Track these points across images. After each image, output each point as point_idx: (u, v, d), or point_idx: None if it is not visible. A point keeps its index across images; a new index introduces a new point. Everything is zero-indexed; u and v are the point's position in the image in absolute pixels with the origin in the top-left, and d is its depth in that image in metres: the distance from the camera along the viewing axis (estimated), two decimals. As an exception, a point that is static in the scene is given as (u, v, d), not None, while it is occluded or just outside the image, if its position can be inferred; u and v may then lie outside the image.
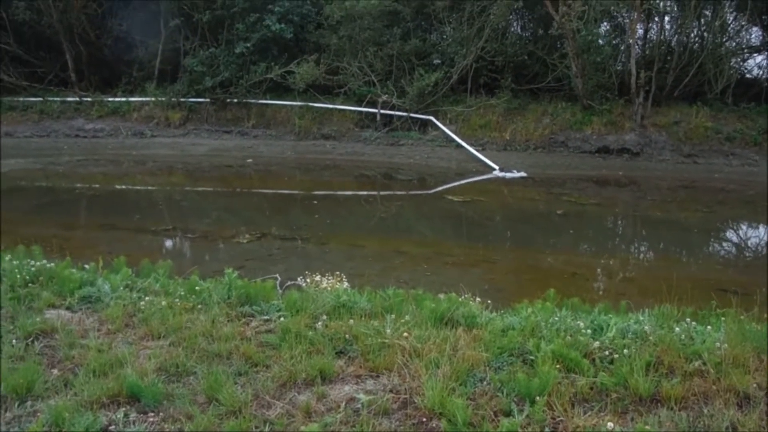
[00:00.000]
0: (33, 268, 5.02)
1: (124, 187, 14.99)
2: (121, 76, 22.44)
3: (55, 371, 3.46)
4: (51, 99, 21.83)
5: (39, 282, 4.84)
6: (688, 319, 4.18)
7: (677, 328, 3.98)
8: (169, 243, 9.68)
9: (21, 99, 21.71)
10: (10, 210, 11.60)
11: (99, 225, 10.65)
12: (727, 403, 3.14)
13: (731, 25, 19.26)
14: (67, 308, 4.48)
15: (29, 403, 3.10)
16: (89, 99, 21.75)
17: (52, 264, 5.21)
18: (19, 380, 3.18)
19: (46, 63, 22.66)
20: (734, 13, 19.05)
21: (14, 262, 5.12)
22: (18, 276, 4.82)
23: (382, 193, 14.73)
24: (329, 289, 5.00)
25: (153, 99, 21.28)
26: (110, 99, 21.76)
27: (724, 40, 19.18)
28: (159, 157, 18.24)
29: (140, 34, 22.32)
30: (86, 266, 5.36)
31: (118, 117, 21.37)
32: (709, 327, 4.06)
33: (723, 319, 4.24)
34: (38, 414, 3.00)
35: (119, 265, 5.35)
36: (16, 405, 3.08)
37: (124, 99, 21.68)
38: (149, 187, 15.08)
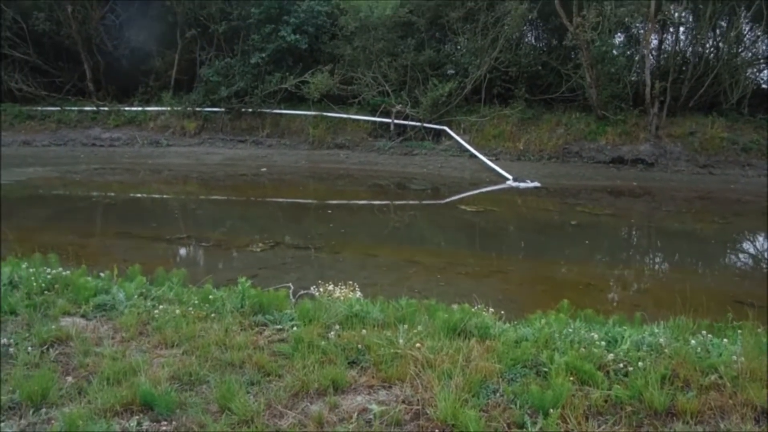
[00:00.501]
0: (49, 276, 5.06)
1: (139, 195, 15.11)
2: (138, 86, 22.68)
3: (70, 379, 3.48)
4: (69, 108, 22.11)
5: (55, 289, 4.88)
6: (704, 332, 4.13)
7: (693, 341, 3.94)
8: (183, 251, 9.73)
9: (39, 108, 22.00)
10: (28, 218, 11.73)
11: (114, 233, 10.73)
12: (744, 417, 3.10)
13: (747, 36, 19.16)
14: (82, 316, 4.51)
15: (44, 410, 3.12)
16: (106, 108, 21.99)
17: (68, 272, 5.25)
18: (34, 387, 3.20)
19: (65, 73, 22.97)
20: (750, 24, 18.94)
21: (30, 270, 5.17)
22: (34, 283, 4.86)
23: (395, 202, 14.73)
24: (342, 298, 5.00)
25: (169, 108, 21.48)
26: (127, 108, 21.99)
27: (740, 50, 19.07)
28: (174, 166, 18.38)
29: (157, 45, 22.57)
30: (101, 274, 5.40)
31: (134, 126, 21.58)
32: (725, 340, 4.01)
33: (740, 331, 4.19)
34: (53, 421, 3.02)
35: (134, 274, 5.39)
36: (31, 412, 3.10)
37: (140, 108, 21.90)
38: (164, 196, 15.18)
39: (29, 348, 3.77)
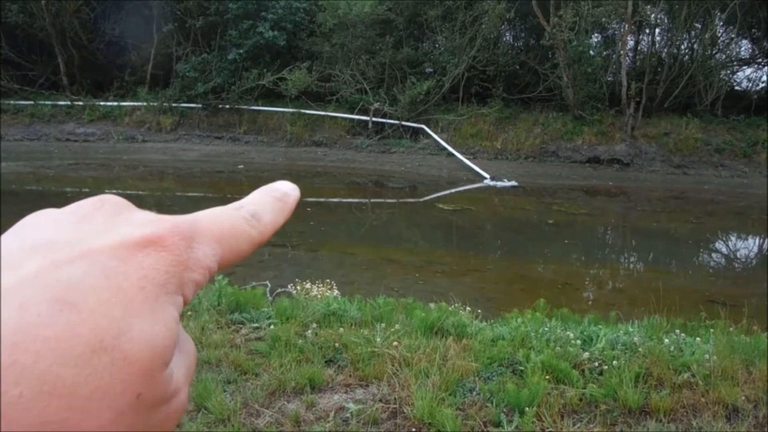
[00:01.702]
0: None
1: (114, 191, 14.81)
2: (113, 81, 22.36)
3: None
4: (42, 102, 21.71)
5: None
6: (677, 331, 4.20)
7: (666, 340, 4.00)
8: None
9: (12, 102, 21.57)
10: (1, 213, 11.52)
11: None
12: (716, 415, 3.15)
13: (721, 38, 19.45)
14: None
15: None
16: (81, 103, 21.66)
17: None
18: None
19: (38, 66, 22.57)
20: (724, 26, 19.24)
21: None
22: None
23: (372, 200, 14.73)
24: (319, 296, 4.99)
25: (145, 104, 21.22)
26: (102, 103, 21.67)
27: (714, 52, 19.36)
28: (150, 162, 18.18)
29: (133, 39, 22.25)
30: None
31: (109, 121, 21.28)
32: (698, 339, 4.08)
33: (712, 330, 4.26)
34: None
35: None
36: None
37: (115, 103, 21.60)
38: (140, 192, 15.01)
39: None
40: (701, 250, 11.24)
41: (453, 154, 18.22)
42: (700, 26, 18.96)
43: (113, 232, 0.32)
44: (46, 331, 0.27)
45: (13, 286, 0.28)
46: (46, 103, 21.71)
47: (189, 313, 4.42)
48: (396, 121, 19.53)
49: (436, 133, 19.19)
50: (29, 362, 0.26)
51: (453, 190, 15.61)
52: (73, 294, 0.28)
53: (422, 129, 19.43)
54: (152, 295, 0.30)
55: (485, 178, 16.11)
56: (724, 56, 19.68)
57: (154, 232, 0.32)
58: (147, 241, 0.32)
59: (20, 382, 0.26)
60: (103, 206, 0.35)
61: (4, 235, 0.33)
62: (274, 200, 0.42)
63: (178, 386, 0.32)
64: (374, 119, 19.72)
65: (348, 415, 3.13)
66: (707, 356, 3.69)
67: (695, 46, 19.27)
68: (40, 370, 0.26)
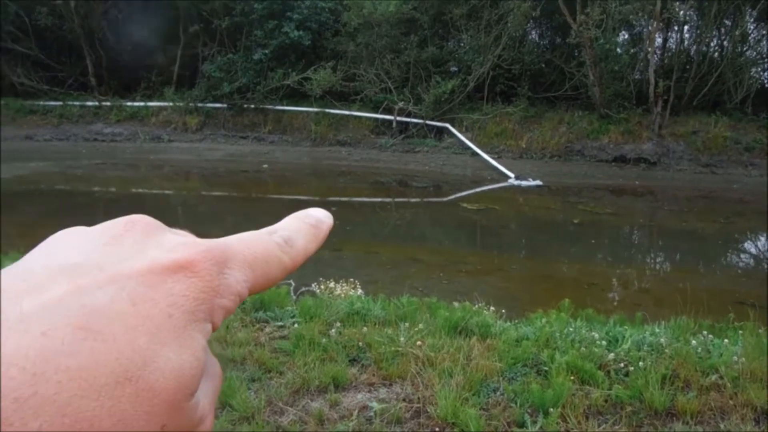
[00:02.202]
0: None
1: (141, 191, 15.11)
2: (140, 81, 22.66)
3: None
4: (71, 103, 22.09)
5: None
6: (704, 332, 4.13)
7: (694, 341, 3.94)
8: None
9: (42, 103, 21.98)
10: (29, 212, 11.73)
11: (116, 228, 10.72)
12: (744, 418, 3.10)
13: (752, 35, 19.13)
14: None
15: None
16: (108, 103, 21.98)
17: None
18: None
19: (67, 67, 22.96)
20: (755, 23, 18.91)
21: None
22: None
23: (396, 200, 14.73)
24: (343, 295, 5.00)
25: (171, 104, 21.47)
26: (129, 103, 21.98)
27: (745, 49, 19.04)
28: (176, 162, 18.38)
29: (159, 40, 22.52)
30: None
31: (136, 121, 21.57)
32: (726, 340, 4.01)
33: (740, 332, 4.19)
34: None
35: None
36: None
37: (142, 104, 21.88)
38: (165, 192, 15.19)
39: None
40: (730, 250, 11.06)
41: (477, 154, 18.14)
42: (730, 23, 18.66)
43: (143, 255, 0.32)
44: (69, 361, 0.26)
45: (37, 311, 0.27)
46: (75, 103, 22.09)
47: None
48: (420, 121, 19.50)
49: (460, 132, 19.13)
50: (51, 393, 0.25)
51: (477, 190, 15.55)
52: (98, 321, 0.27)
53: (446, 128, 19.38)
54: (180, 323, 0.30)
55: (510, 178, 16.02)
56: (754, 53, 19.35)
57: (185, 256, 0.32)
58: (177, 266, 0.31)
59: (41, 414, 0.25)
60: (134, 227, 0.34)
61: (31, 254, 0.32)
62: (307, 227, 0.41)
63: (204, 413, 0.31)
64: (398, 118, 19.71)
65: (371, 414, 3.14)
66: (735, 358, 3.63)
67: (725, 43, 18.96)
68: (61, 402, 0.25)
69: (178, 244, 0.33)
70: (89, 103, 22.11)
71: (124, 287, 0.29)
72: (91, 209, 12.70)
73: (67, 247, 0.32)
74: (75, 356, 0.26)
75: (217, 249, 0.34)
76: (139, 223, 0.35)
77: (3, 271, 0.30)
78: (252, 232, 0.38)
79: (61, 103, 22.02)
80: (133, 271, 0.30)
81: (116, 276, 0.30)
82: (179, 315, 0.30)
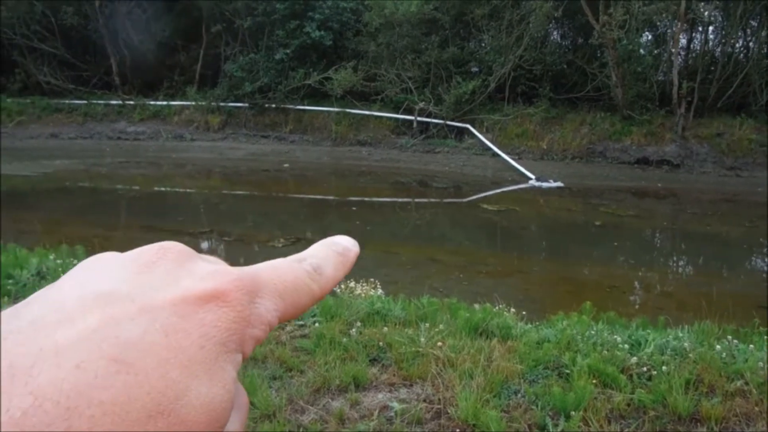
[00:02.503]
0: (75, 268, 5.13)
1: (163, 189, 15.26)
2: (163, 81, 22.88)
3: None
4: (95, 102, 22.38)
5: (81, 281, 4.94)
6: (729, 337, 4.08)
7: (718, 346, 3.90)
8: (206, 246, 9.81)
9: (67, 101, 22.30)
10: (54, 209, 11.90)
11: (139, 226, 10.86)
12: (770, 424, 3.06)
13: (779, 36, 18.83)
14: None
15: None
16: (132, 102, 22.23)
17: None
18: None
19: (92, 67, 23.27)
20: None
21: (58, 261, 5.25)
22: (61, 275, 4.93)
23: (417, 200, 14.72)
24: (363, 295, 5.01)
25: (193, 103, 21.65)
26: (152, 102, 22.21)
27: (771, 50, 18.76)
28: (198, 161, 18.53)
29: (182, 40, 22.76)
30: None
31: (159, 120, 21.79)
32: (751, 346, 3.96)
33: (766, 337, 4.13)
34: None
35: (158, 267, 5.44)
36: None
37: (165, 103, 22.10)
38: (188, 190, 15.32)
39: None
40: (754, 254, 10.91)
41: (498, 155, 18.07)
42: (756, 24, 18.39)
43: (175, 284, 0.31)
44: (103, 395, 0.25)
45: (71, 342, 0.27)
46: (99, 102, 22.38)
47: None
48: (441, 121, 19.47)
49: (481, 133, 19.07)
50: (84, 428, 0.25)
51: (498, 191, 15.49)
52: (131, 353, 0.27)
53: (467, 129, 19.33)
54: (212, 355, 0.29)
55: (530, 179, 15.93)
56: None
57: (216, 286, 0.32)
58: (209, 296, 0.31)
59: None
60: (165, 255, 0.34)
61: (63, 281, 0.32)
62: (335, 254, 0.41)
63: None
64: (419, 119, 19.69)
65: (392, 414, 3.14)
66: (761, 364, 3.59)
67: (751, 44, 18.70)
68: None
69: (210, 272, 0.33)
70: (113, 102, 22.39)
71: (156, 318, 0.29)
72: (115, 207, 12.86)
73: (99, 275, 0.32)
74: (108, 390, 0.25)
75: (248, 278, 0.33)
76: (171, 250, 0.34)
77: (35, 299, 0.30)
78: (281, 260, 0.38)
79: (85, 101, 22.33)
80: (165, 302, 0.30)
81: (148, 306, 0.29)
82: (211, 346, 0.30)
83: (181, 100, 21.99)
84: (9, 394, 0.24)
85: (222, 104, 21.29)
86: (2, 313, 0.29)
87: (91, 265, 0.34)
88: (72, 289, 0.31)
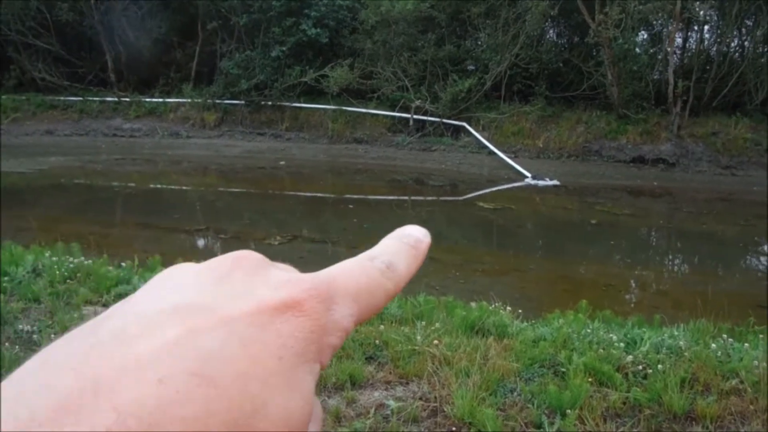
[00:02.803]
0: (71, 265, 5.13)
1: (159, 186, 15.22)
2: (159, 77, 22.82)
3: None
4: (90, 99, 22.31)
5: (77, 278, 4.94)
6: (724, 336, 4.10)
7: (713, 345, 3.91)
8: (202, 243, 9.80)
9: (62, 98, 22.22)
10: (50, 207, 11.87)
11: (135, 223, 10.83)
12: (765, 423, 3.07)
13: (774, 35, 18.88)
14: (104, 305, 4.56)
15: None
16: (127, 99, 22.17)
17: (90, 261, 5.31)
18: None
19: (87, 63, 23.19)
20: (777, 23, 18.67)
21: (53, 259, 5.24)
22: (57, 272, 4.93)
23: (413, 198, 14.72)
24: (360, 294, 5.01)
25: (189, 100, 21.59)
26: (148, 99, 22.15)
27: (766, 49, 18.80)
28: (194, 158, 18.49)
29: (178, 36, 22.69)
30: (122, 264, 5.45)
31: (154, 117, 21.73)
32: (746, 344, 3.98)
33: (761, 336, 4.15)
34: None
35: (154, 264, 5.44)
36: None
37: (161, 100, 22.04)
38: (184, 187, 15.29)
39: (52, 335, 3.83)
40: (750, 253, 10.95)
41: (494, 153, 18.09)
42: (751, 23, 18.44)
43: (251, 295, 0.31)
44: (184, 410, 0.25)
45: (153, 356, 0.26)
46: (95, 99, 22.31)
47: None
48: (437, 119, 19.47)
49: (477, 131, 19.08)
50: None
51: (494, 189, 15.50)
52: (211, 366, 0.27)
53: (463, 127, 19.34)
54: (290, 366, 0.29)
55: (526, 177, 15.95)
56: (777, 54, 19.11)
57: (292, 296, 0.31)
58: (285, 305, 0.31)
59: None
60: (240, 264, 0.33)
61: (141, 292, 0.32)
62: (407, 248, 0.40)
63: None
64: (415, 117, 19.69)
65: (388, 412, 3.15)
66: (756, 363, 3.60)
67: (746, 43, 18.75)
68: None
69: (284, 281, 0.33)
70: (109, 99, 22.32)
71: (234, 330, 0.29)
72: (110, 204, 12.83)
73: (177, 287, 0.32)
74: (189, 405, 0.25)
75: (323, 285, 0.33)
76: (246, 259, 0.34)
77: (114, 312, 0.30)
78: (354, 261, 0.37)
79: (81, 98, 22.25)
80: (243, 313, 0.30)
81: (227, 318, 0.29)
82: (289, 357, 0.29)
83: (177, 98, 21.94)
84: (93, 410, 0.24)
85: (218, 101, 21.25)
86: (83, 326, 0.29)
87: (168, 276, 0.34)
88: (151, 301, 0.31)
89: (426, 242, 0.41)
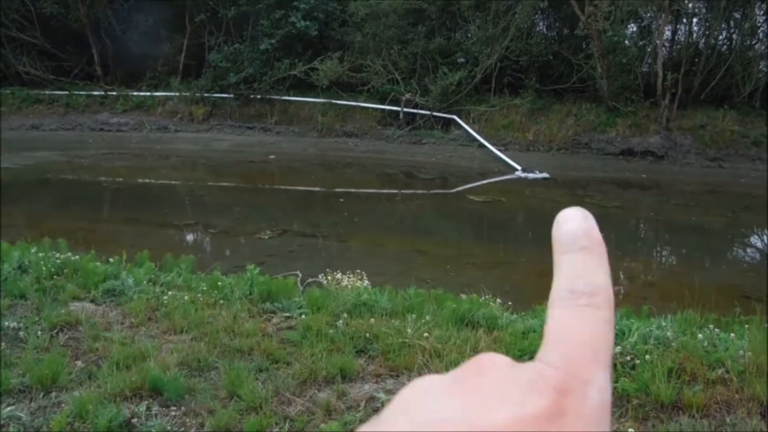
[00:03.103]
0: (58, 261, 5.09)
1: (147, 181, 15.14)
2: (146, 71, 22.59)
3: (79, 363, 3.52)
4: (77, 93, 22.06)
5: (64, 274, 4.91)
6: (711, 326, 4.13)
7: (700, 335, 3.94)
8: (191, 238, 9.76)
9: (47, 92, 21.96)
10: (36, 202, 11.78)
11: (123, 218, 10.77)
12: (750, 412, 3.10)
13: (761, 28, 18.98)
14: (92, 301, 4.54)
15: (54, 393, 3.16)
16: (114, 93, 21.95)
17: (77, 257, 5.28)
18: (44, 371, 3.23)
19: (73, 57, 22.91)
20: (765, 16, 18.78)
21: (40, 255, 5.20)
22: (44, 268, 4.89)
23: (403, 191, 14.73)
24: (350, 287, 5.01)
25: (177, 94, 21.42)
26: (135, 93, 21.94)
27: (753, 42, 18.91)
28: (182, 152, 18.40)
29: (166, 29, 22.48)
30: (110, 260, 5.42)
31: (142, 111, 21.55)
32: (732, 334, 4.01)
33: (747, 326, 4.18)
34: (62, 405, 3.05)
35: (142, 259, 5.42)
36: (41, 395, 3.13)
37: (148, 93, 21.85)
38: (172, 182, 15.22)
39: (39, 332, 3.81)
40: (736, 244, 11.04)
41: (484, 146, 18.10)
42: (739, 16, 18.52)
43: (506, 403, 0.29)
44: None
45: None
46: (81, 93, 22.04)
47: (221, 301, 4.49)
48: (427, 112, 19.45)
49: (467, 124, 19.08)
50: None
51: (484, 182, 15.52)
52: None
53: (453, 120, 19.33)
54: None
55: (516, 170, 15.98)
56: (763, 47, 19.21)
57: (548, 405, 0.29)
58: (545, 415, 0.29)
59: None
60: (484, 371, 0.32)
61: (391, 411, 0.32)
62: (591, 257, 0.38)
63: None
64: (405, 110, 19.66)
65: (379, 405, 3.15)
66: (742, 352, 3.64)
67: (734, 36, 18.84)
68: None
69: (532, 384, 0.31)
70: (95, 93, 22.08)
71: None
72: (98, 199, 12.75)
73: (427, 402, 0.31)
74: None
75: (571, 378, 0.31)
76: (489, 365, 0.33)
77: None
78: (571, 316, 0.34)
79: (67, 92, 22.00)
80: (504, 423, 0.28)
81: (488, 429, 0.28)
82: None
83: (165, 91, 21.75)
84: None
85: (206, 95, 21.09)
86: None
87: (416, 392, 0.32)
88: (404, 421, 0.30)
89: (596, 238, 0.39)
